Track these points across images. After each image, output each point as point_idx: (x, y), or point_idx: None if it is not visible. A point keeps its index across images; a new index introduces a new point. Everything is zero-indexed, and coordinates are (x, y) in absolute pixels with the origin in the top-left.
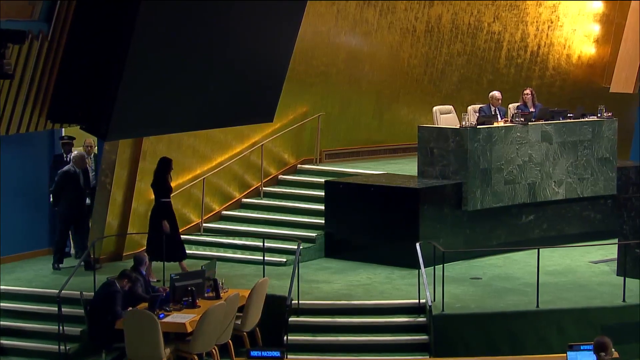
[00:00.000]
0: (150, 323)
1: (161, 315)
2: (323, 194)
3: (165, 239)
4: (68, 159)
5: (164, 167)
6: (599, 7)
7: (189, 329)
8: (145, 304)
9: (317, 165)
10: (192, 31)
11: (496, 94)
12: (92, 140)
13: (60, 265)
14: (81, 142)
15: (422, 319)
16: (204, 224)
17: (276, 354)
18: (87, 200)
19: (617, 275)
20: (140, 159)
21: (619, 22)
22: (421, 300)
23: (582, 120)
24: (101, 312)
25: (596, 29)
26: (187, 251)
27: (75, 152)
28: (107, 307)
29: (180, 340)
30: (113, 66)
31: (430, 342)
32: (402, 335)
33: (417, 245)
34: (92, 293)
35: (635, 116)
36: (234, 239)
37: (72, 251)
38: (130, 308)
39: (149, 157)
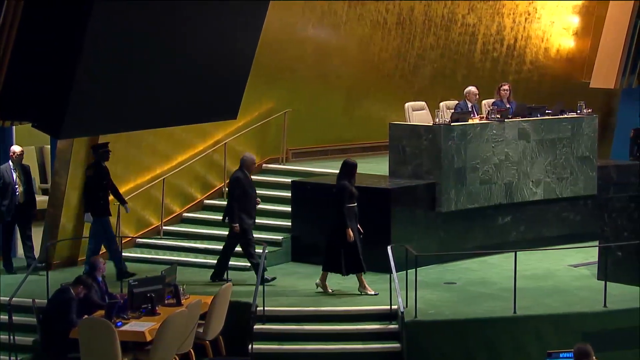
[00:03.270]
0: (107, 332)
1: (118, 324)
2: (289, 195)
3: (347, 248)
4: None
5: (346, 171)
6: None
7: (148, 338)
8: (102, 312)
9: (284, 165)
10: (152, 25)
11: (473, 89)
12: (18, 147)
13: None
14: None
15: (393, 326)
16: (164, 227)
17: None
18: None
19: (597, 279)
20: None
21: (599, 14)
22: (393, 307)
23: (561, 117)
24: (55, 321)
25: (575, 22)
26: (146, 255)
27: (247, 154)
28: (61, 315)
29: (139, 350)
30: (67, 59)
31: (402, 350)
32: (373, 343)
33: (389, 248)
34: (45, 300)
35: (617, 112)
36: (195, 243)
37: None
38: (86, 316)
39: None
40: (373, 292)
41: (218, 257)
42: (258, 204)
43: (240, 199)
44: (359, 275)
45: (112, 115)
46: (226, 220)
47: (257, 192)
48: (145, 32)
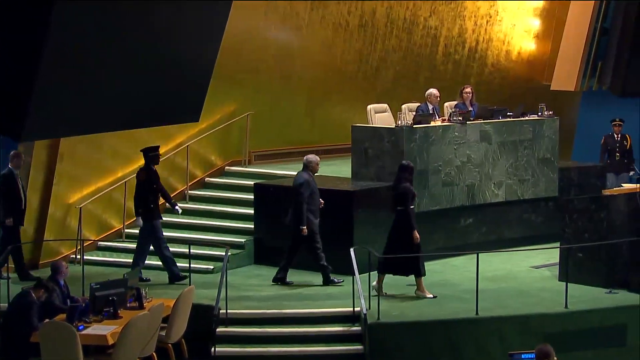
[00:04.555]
0: (69, 335)
1: (80, 327)
2: (252, 197)
3: (409, 250)
4: None
5: (406, 174)
6: (539, 1)
7: (111, 342)
8: (63, 315)
9: (246, 167)
10: (114, 28)
11: (434, 91)
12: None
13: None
14: None
15: (356, 328)
16: (126, 230)
17: None
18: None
19: (559, 280)
20: (57, 161)
21: (559, 17)
22: (356, 309)
23: (523, 119)
24: (16, 325)
25: (536, 24)
26: (108, 258)
27: (311, 155)
28: (22, 318)
29: (101, 354)
30: (28, 61)
31: (365, 352)
32: (336, 345)
33: (352, 250)
34: (6, 304)
35: (577, 114)
36: None
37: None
38: (47, 320)
39: (67, 159)
40: (431, 295)
41: (282, 261)
42: (321, 206)
43: (308, 201)
44: (419, 279)
45: (74, 117)
46: (288, 223)
47: (219, 194)
48: (107, 34)
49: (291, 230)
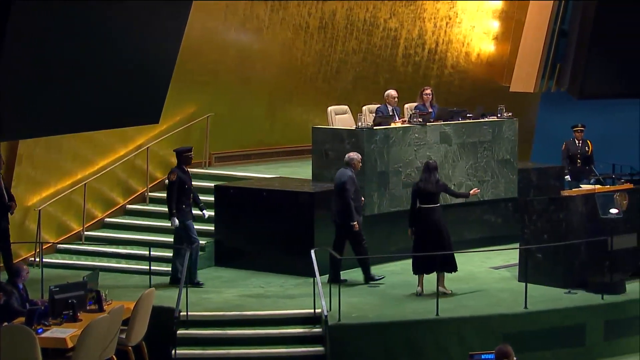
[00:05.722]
0: (28, 338)
1: (39, 330)
2: (213, 199)
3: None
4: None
5: (435, 171)
6: (498, 3)
7: (70, 345)
8: (22, 319)
9: (206, 169)
10: (73, 30)
11: (392, 92)
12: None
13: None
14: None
15: (317, 330)
16: (86, 232)
17: None
18: None
19: (518, 281)
20: (15, 164)
21: (518, 19)
22: (317, 310)
23: (482, 120)
24: None
25: (495, 26)
26: (68, 261)
27: (353, 153)
28: None
29: (61, 357)
30: None
31: (326, 354)
32: (297, 346)
33: (312, 252)
34: None
35: (536, 116)
36: (117, 248)
37: None
38: (6, 323)
39: (26, 161)
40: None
41: (330, 260)
42: (363, 203)
43: (352, 197)
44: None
45: (33, 119)
46: (333, 220)
47: None
48: (66, 36)
49: (336, 226)
